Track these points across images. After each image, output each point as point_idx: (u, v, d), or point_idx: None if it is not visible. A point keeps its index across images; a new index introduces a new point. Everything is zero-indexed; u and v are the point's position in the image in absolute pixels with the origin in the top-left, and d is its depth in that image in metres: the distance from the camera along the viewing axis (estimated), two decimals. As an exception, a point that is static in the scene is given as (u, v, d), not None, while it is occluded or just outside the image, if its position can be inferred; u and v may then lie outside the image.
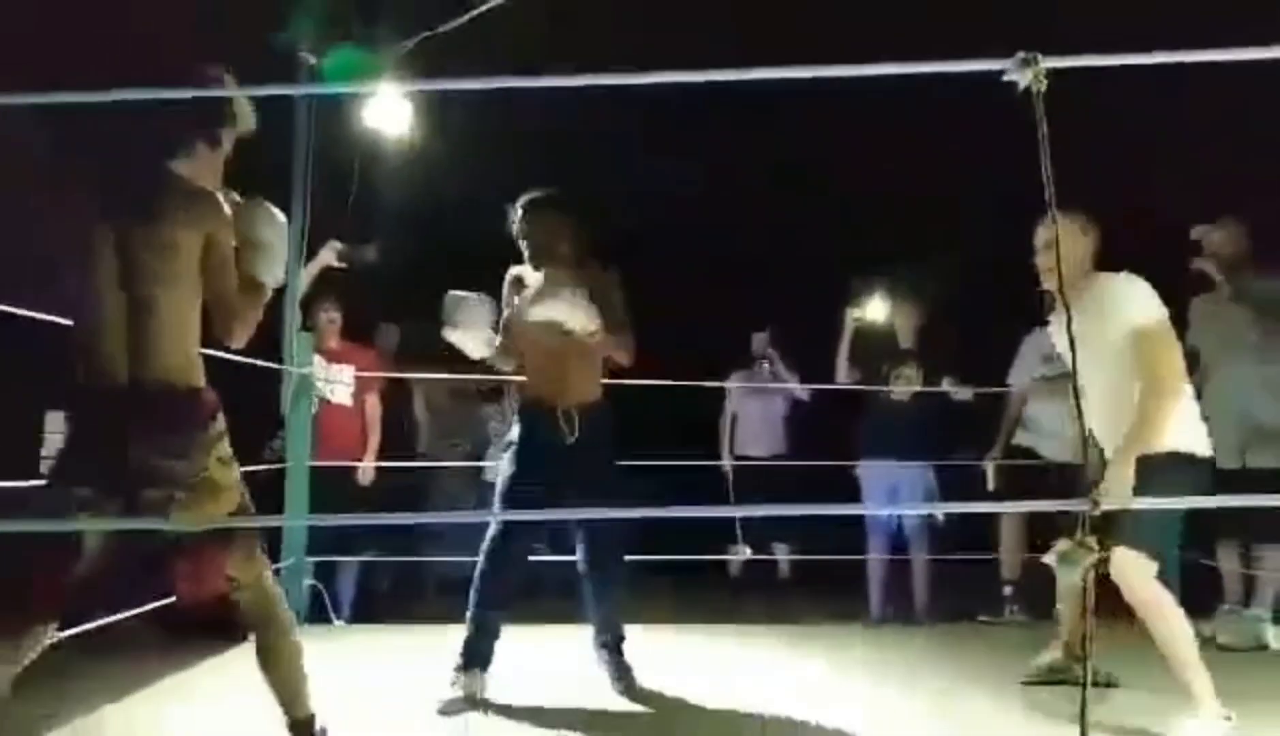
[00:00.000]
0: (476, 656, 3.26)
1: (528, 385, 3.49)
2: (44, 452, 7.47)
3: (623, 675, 3.39)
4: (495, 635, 3.30)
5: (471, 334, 3.29)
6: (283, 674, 2.44)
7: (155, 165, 2.31)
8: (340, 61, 4.31)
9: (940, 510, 5.11)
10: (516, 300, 3.39)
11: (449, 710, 3.12)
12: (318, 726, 2.48)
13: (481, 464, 6.00)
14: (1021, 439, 4.82)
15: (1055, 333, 4.28)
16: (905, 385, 5.10)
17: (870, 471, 5.20)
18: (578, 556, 3.46)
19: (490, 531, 3.32)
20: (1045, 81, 1.27)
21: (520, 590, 3.41)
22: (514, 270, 3.48)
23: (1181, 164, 6.03)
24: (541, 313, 3.21)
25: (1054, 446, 4.65)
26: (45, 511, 2.19)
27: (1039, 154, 1.27)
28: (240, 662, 3.84)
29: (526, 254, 3.41)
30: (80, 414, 2.24)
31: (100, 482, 2.16)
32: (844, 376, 5.33)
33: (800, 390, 5.96)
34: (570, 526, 3.53)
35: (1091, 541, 1.18)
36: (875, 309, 5.39)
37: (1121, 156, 6.41)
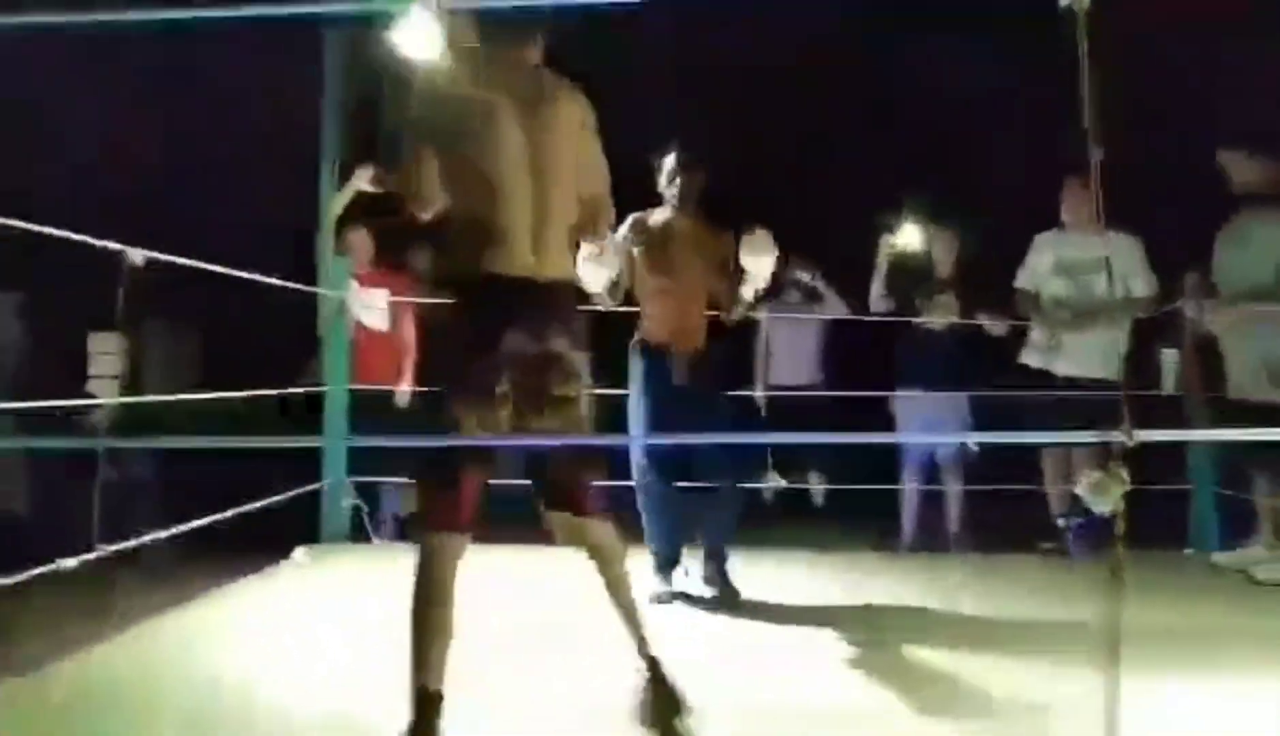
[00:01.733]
0: (667, 564, 3.61)
1: (651, 329, 3.64)
2: (91, 371, 7.63)
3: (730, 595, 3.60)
4: (676, 544, 3.62)
5: (601, 268, 3.27)
6: (630, 601, 2.25)
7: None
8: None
9: (972, 439, 5.07)
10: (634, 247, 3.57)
11: (661, 600, 3.50)
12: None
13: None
14: (1031, 359, 4.66)
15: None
16: (942, 314, 5.05)
17: (905, 401, 5.17)
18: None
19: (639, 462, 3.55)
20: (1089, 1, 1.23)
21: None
22: (636, 215, 3.64)
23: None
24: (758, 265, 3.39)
25: (1067, 365, 4.52)
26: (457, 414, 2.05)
27: (1078, 78, 1.23)
28: (284, 577, 3.98)
29: (675, 203, 3.64)
30: (488, 303, 2.11)
31: (514, 374, 2.06)
32: (879, 305, 5.26)
33: (842, 307, 5.86)
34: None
35: (1124, 471, 1.18)
36: (911, 236, 5.28)
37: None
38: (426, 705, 1.97)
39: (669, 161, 3.68)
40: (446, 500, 2.09)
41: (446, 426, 2.06)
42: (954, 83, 7.15)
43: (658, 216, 3.68)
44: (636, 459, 3.57)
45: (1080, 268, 4.48)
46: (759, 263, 3.39)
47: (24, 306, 5.21)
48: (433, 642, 2.03)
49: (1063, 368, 4.53)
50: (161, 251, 3.30)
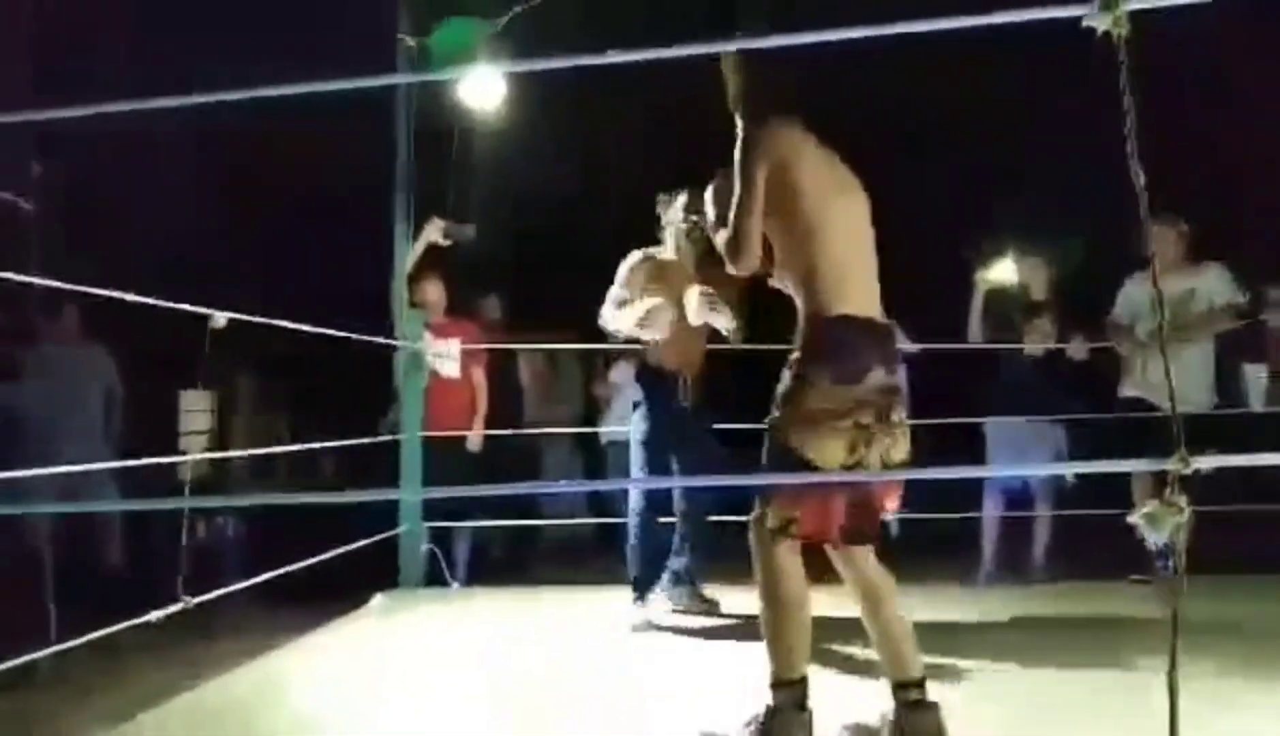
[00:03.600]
0: (646, 586, 3.79)
1: (666, 356, 3.85)
2: (181, 428, 7.95)
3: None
4: (658, 570, 3.84)
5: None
6: (894, 634, 2.36)
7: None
8: (448, 35, 4.41)
9: (1016, 473, 4.96)
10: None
11: (639, 628, 3.68)
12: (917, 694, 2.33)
13: (592, 429, 6.16)
14: (1131, 389, 4.63)
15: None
16: (1040, 339, 4.94)
17: (999, 428, 5.05)
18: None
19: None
20: (1127, 25, 1.23)
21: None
22: (646, 252, 3.88)
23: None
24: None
25: (1160, 392, 4.45)
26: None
27: (1123, 107, 1.24)
28: (364, 623, 4.08)
29: (686, 249, 3.84)
30: (857, 338, 2.33)
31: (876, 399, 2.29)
32: (977, 336, 5.18)
33: (908, 345, 5.79)
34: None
35: (1181, 500, 1.16)
36: (1004, 271, 5.20)
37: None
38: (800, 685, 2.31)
39: (670, 207, 3.89)
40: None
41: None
42: (1007, 108, 7.11)
43: (662, 253, 3.92)
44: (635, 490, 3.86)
45: (1171, 299, 4.46)
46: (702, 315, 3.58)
47: (121, 366, 5.47)
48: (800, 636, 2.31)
49: (1157, 395, 4.48)
50: (246, 311, 3.43)
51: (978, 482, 5.09)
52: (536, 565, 6.26)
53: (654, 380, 3.87)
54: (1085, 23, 1.24)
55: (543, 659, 3.38)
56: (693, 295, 3.56)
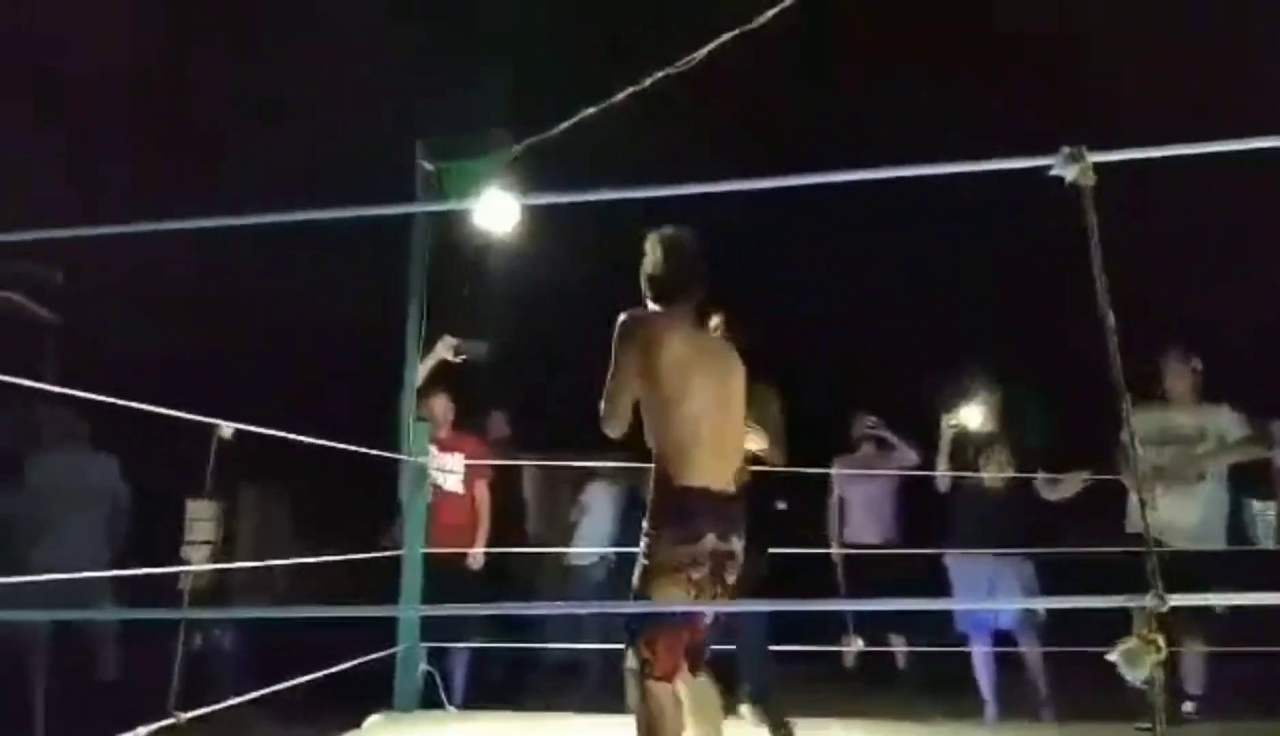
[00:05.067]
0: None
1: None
2: (187, 537, 7.90)
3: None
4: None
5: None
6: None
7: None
8: (458, 173, 4.58)
9: (984, 607, 4.91)
10: None
11: None
12: None
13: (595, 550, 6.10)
14: (1135, 525, 4.59)
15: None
16: (996, 470, 4.97)
17: (963, 562, 5.04)
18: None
19: None
20: (1093, 175, 1.29)
21: None
22: None
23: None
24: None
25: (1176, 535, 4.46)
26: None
27: (1090, 250, 1.28)
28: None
29: None
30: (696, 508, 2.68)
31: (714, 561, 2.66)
32: (944, 482, 5.23)
33: (913, 456, 5.81)
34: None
35: (1158, 638, 1.16)
36: (971, 416, 5.26)
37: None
38: None
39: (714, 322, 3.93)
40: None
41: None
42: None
43: None
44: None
45: (1182, 435, 4.50)
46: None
47: (127, 473, 5.49)
48: None
49: (1162, 531, 4.42)
50: (262, 423, 3.48)
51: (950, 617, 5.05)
52: (537, 688, 6.11)
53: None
54: (1053, 172, 1.29)
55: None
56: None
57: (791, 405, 4.24)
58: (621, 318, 2.78)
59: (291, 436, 3.72)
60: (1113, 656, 1.19)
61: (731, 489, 2.75)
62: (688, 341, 2.79)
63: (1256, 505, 4.93)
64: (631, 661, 2.60)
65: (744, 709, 4.06)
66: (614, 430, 2.78)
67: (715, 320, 3.91)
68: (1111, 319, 1.29)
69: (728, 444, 2.78)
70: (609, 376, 2.76)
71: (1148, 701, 4.01)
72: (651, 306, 2.89)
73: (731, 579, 2.69)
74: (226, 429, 3.38)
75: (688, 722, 2.65)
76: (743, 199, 2.57)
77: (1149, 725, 4.13)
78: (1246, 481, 4.81)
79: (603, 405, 2.77)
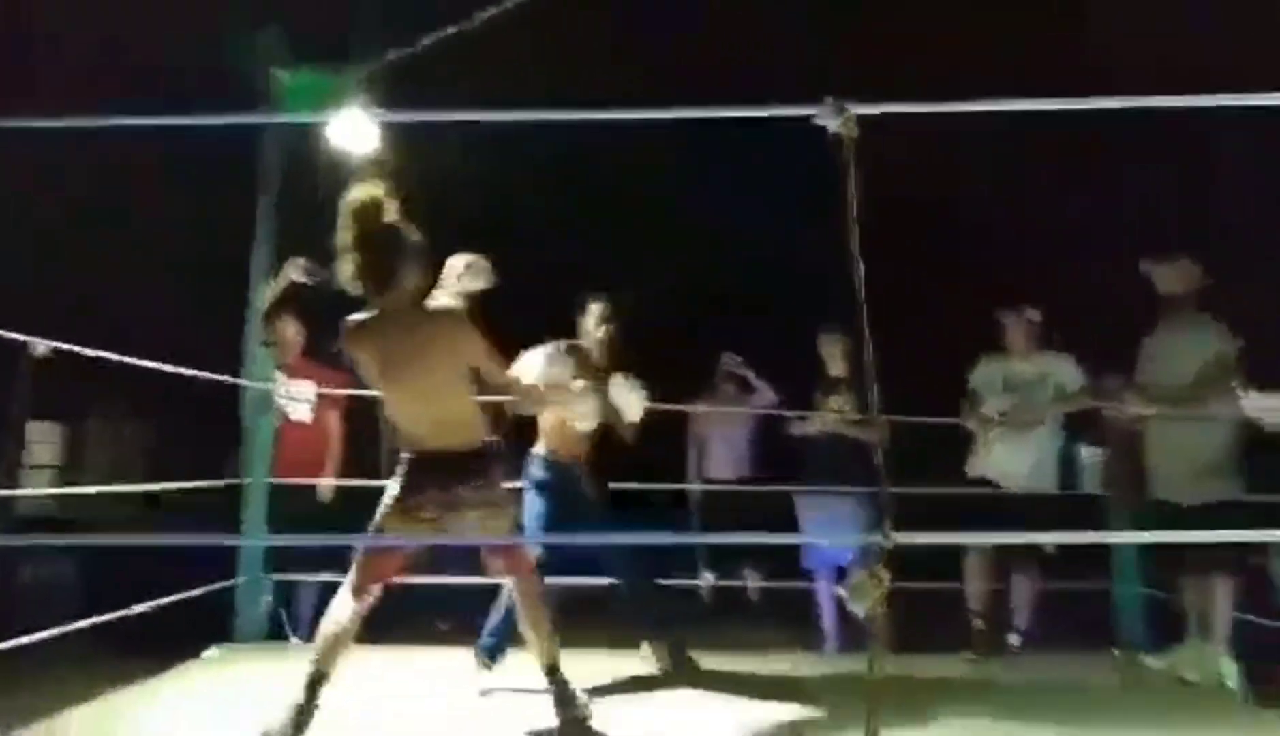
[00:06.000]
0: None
1: (552, 439, 4.08)
2: (25, 458, 7.50)
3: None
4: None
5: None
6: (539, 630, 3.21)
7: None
8: (304, 83, 4.35)
9: (803, 541, 5.12)
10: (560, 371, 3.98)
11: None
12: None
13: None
14: (976, 468, 4.75)
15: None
16: (836, 413, 5.09)
17: (808, 501, 5.16)
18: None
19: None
20: (856, 128, 1.30)
21: None
22: (567, 342, 4.10)
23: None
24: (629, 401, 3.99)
25: (995, 471, 4.66)
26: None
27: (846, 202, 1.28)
28: (192, 676, 3.86)
29: (602, 346, 4.16)
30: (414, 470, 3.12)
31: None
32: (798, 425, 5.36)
33: (773, 396, 5.89)
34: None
35: (883, 573, 1.21)
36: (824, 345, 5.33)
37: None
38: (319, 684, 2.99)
39: (596, 308, 4.17)
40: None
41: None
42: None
43: (584, 344, 4.18)
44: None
45: (1023, 382, 4.68)
46: (627, 400, 3.97)
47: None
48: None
49: (992, 473, 4.66)
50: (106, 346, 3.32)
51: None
52: (385, 622, 6.03)
53: (552, 466, 4.04)
54: (816, 121, 1.30)
55: (383, 716, 3.31)
56: (621, 384, 3.95)
57: (651, 343, 4.29)
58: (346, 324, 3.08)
59: (115, 357, 3.52)
60: (840, 590, 1.24)
61: (455, 446, 3.10)
62: (393, 334, 3.04)
63: (1085, 452, 5.20)
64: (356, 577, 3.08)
65: (643, 647, 4.08)
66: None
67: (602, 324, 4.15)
68: (861, 268, 1.30)
69: (447, 409, 3.11)
70: None
71: (974, 632, 4.25)
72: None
73: (475, 511, 3.07)
74: (41, 347, 3.18)
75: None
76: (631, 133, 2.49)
77: (977, 654, 4.39)
78: (1078, 429, 5.05)
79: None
